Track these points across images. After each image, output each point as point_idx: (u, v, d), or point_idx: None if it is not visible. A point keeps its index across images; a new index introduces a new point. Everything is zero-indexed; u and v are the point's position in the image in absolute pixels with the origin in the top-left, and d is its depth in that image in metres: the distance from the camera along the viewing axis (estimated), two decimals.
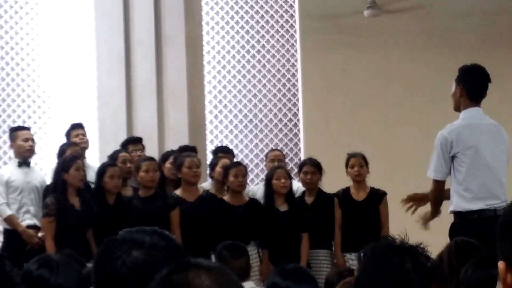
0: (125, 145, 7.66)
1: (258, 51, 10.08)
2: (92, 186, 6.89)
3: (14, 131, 7.29)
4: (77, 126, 7.65)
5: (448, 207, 5.24)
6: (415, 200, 5.54)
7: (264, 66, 10.07)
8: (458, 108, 5.32)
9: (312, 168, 7.11)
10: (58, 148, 7.31)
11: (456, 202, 5.15)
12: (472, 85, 5.25)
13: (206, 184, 7.52)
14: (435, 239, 3.62)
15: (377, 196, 7.03)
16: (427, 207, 5.49)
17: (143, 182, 6.71)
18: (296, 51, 10.11)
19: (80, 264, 4.76)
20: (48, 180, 7.17)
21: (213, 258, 5.43)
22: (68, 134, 7.61)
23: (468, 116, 5.23)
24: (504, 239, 1.46)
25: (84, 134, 7.59)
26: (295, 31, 10.15)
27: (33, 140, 7.24)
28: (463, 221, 5.09)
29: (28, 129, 7.50)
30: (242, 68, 10.04)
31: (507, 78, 9.43)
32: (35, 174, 7.23)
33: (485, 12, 10.10)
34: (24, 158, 7.12)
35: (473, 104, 5.25)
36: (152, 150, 8.16)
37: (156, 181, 6.77)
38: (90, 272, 2.75)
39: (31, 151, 7.19)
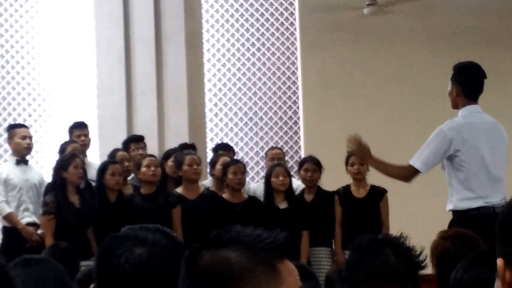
0: (127, 143, 7.66)
1: (258, 49, 10.08)
2: (93, 184, 6.89)
3: (12, 129, 7.28)
4: (80, 126, 7.61)
5: (447, 205, 5.26)
6: (360, 148, 5.55)
7: (264, 64, 10.07)
8: (456, 106, 5.34)
9: (312, 166, 7.14)
10: (59, 146, 7.31)
11: (456, 201, 5.16)
12: (468, 83, 5.27)
13: (207, 181, 7.53)
14: (433, 237, 3.64)
15: (378, 194, 7.04)
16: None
17: (145, 178, 6.71)
18: (296, 48, 10.11)
19: (74, 259, 4.78)
20: (47, 178, 7.17)
21: None
22: (70, 132, 7.61)
23: (467, 114, 5.24)
24: (503, 236, 1.47)
25: (86, 135, 7.56)
26: (295, 29, 10.15)
27: (30, 138, 7.22)
28: (462, 219, 5.11)
29: (26, 126, 7.46)
30: (242, 66, 10.04)
31: (507, 78, 9.44)
32: (33, 171, 7.23)
33: (485, 11, 10.10)
34: (21, 155, 7.11)
35: (471, 102, 5.27)
36: (152, 148, 8.16)
37: (158, 176, 6.77)
38: (90, 269, 2.76)
39: (28, 149, 7.17)
